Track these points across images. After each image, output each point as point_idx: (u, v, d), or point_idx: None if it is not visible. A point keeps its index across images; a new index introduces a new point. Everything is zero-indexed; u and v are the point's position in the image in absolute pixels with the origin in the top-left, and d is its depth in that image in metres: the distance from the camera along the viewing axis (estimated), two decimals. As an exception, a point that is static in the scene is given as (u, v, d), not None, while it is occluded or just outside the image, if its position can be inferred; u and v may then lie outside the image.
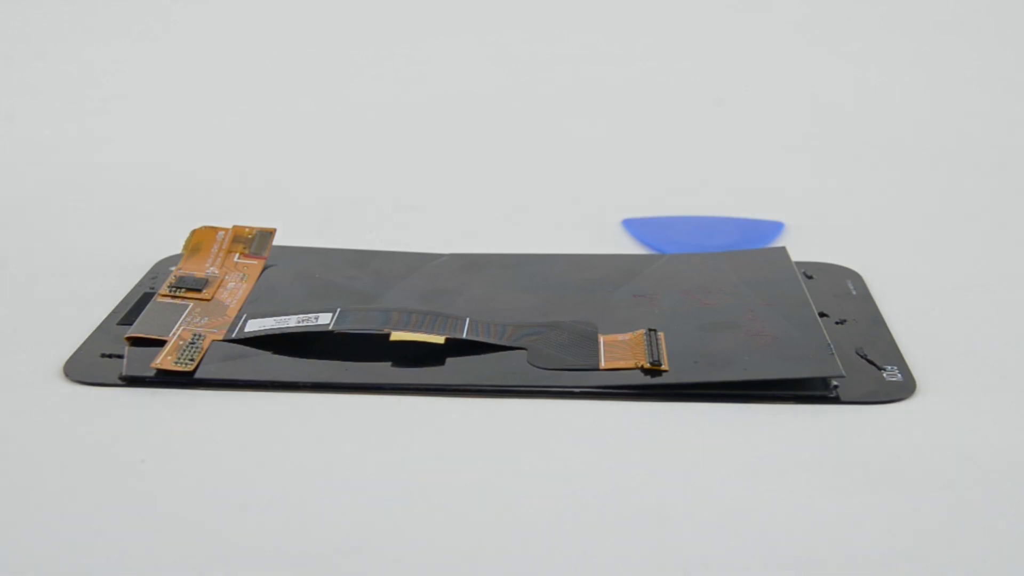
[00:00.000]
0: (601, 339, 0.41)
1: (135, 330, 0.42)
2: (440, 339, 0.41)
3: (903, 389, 0.39)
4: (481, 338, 0.41)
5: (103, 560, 0.31)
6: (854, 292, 0.47)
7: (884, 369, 0.40)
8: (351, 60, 0.70)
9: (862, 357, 0.41)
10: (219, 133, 0.66)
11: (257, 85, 0.69)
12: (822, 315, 0.44)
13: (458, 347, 0.41)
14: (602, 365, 0.40)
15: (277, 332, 0.42)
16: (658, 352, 0.40)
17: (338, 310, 0.42)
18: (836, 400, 0.39)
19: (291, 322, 0.42)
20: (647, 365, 0.40)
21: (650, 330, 0.41)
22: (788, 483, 0.35)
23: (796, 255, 0.50)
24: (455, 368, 0.40)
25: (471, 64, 0.42)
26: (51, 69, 0.66)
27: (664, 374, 0.39)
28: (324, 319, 0.42)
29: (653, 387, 0.39)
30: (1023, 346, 0.43)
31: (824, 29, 0.67)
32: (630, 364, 0.40)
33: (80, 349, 0.42)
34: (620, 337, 0.41)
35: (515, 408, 0.38)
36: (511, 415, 0.38)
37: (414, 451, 0.36)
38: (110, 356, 0.41)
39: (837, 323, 0.44)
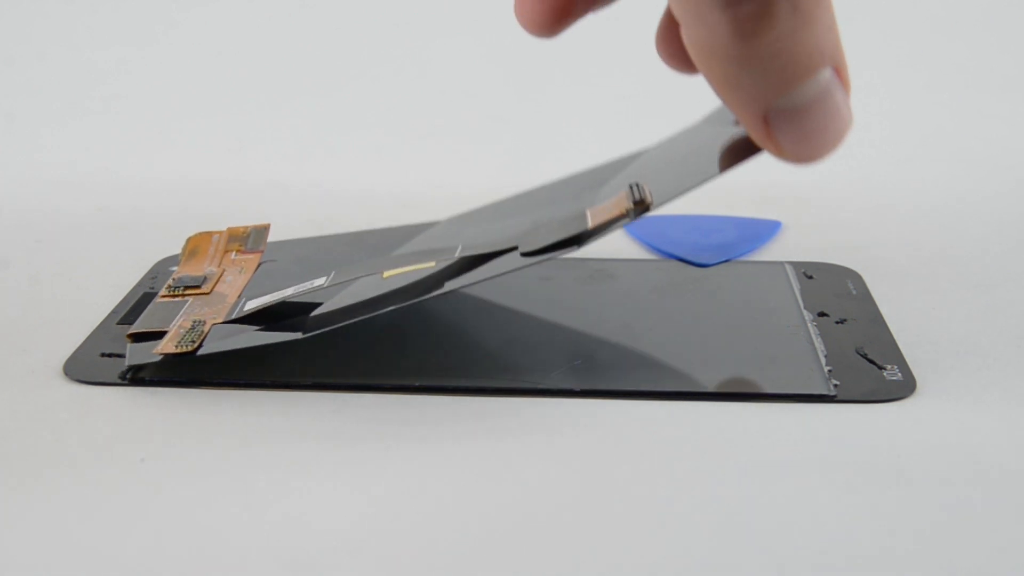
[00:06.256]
0: (588, 212, 0.40)
1: (137, 328, 0.42)
2: (431, 263, 0.41)
3: (903, 388, 0.39)
4: (471, 252, 0.41)
5: (102, 559, 0.31)
6: (854, 292, 0.47)
7: (884, 368, 0.40)
8: (349, 58, 0.70)
9: (862, 356, 0.41)
10: (219, 132, 0.66)
11: (256, 85, 0.69)
12: (822, 315, 0.44)
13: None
14: (590, 225, 0.39)
15: (275, 302, 0.41)
16: (640, 191, 0.38)
17: (332, 272, 0.42)
18: (836, 399, 0.39)
19: (288, 292, 0.42)
20: (632, 207, 0.38)
21: (631, 185, 0.39)
22: (788, 482, 0.35)
23: (795, 254, 0.50)
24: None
25: (470, 63, 0.43)
26: (51, 69, 0.66)
27: (648, 211, 0.38)
28: (319, 281, 0.42)
29: (650, 392, 0.39)
30: (1023, 345, 0.43)
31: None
32: (616, 213, 0.38)
33: (80, 348, 0.42)
34: (605, 203, 0.40)
35: (510, 407, 0.39)
36: (506, 415, 0.38)
37: (414, 451, 0.36)
38: (110, 355, 0.41)
39: (837, 323, 0.44)
